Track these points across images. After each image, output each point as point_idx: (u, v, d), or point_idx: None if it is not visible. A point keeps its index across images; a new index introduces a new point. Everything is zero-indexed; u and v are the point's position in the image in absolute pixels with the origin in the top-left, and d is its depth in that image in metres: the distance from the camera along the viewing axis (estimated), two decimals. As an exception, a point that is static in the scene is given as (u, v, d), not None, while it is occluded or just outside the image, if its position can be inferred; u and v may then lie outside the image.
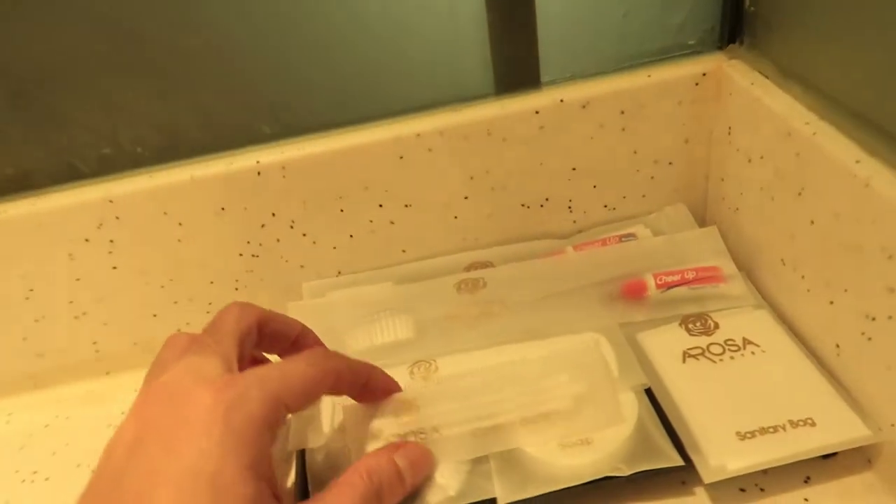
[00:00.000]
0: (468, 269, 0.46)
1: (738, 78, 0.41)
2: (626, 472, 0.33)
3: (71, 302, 0.46)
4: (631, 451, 0.34)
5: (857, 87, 0.34)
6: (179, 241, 0.45)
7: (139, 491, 0.25)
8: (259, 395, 0.27)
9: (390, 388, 0.36)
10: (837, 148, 0.34)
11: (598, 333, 0.40)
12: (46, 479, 0.42)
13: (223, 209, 0.44)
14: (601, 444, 0.34)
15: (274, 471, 0.28)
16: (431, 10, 0.41)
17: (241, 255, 0.46)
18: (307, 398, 0.30)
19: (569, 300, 0.42)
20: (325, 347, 0.37)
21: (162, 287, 0.47)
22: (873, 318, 0.33)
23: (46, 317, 0.47)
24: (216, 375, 0.28)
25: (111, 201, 0.43)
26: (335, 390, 0.33)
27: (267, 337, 0.34)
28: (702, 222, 0.49)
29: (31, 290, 0.45)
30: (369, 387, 0.35)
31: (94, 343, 0.48)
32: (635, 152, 0.46)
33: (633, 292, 0.42)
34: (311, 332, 0.37)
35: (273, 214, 0.45)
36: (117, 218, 0.43)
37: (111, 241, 0.44)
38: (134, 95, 0.41)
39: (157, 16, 0.39)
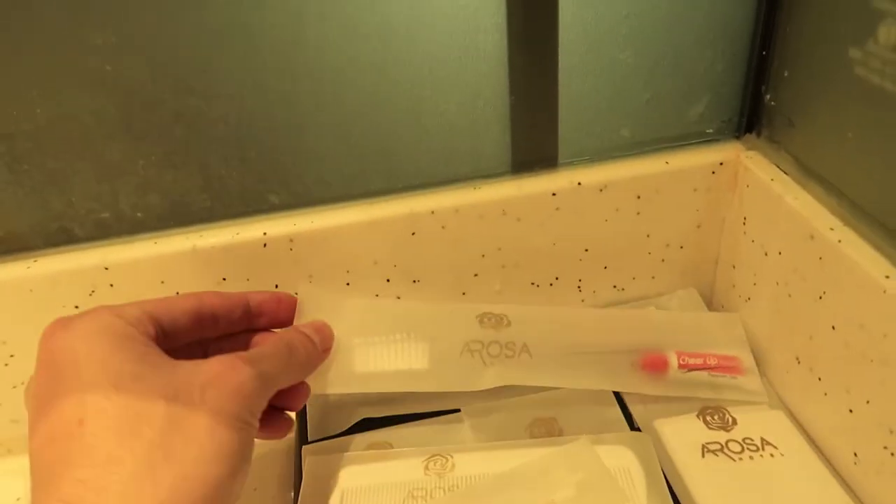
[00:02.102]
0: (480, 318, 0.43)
1: (757, 171, 0.41)
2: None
3: (54, 368, 0.43)
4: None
5: (885, 199, 0.34)
6: (175, 309, 0.43)
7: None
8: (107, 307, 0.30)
9: (278, 299, 0.36)
10: (865, 260, 0.34)
11: (629, 449, 0.38)
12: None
13: (224, 279, 0.42)
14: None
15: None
16: (455, 88, 0.40)
17: (239, 324, 0.44)
18: (169, 308, 0.31)
19: (591, 362, 0.41)
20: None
21: (153, 355, 0.44)
22: (898, 434, 0.33)
23: (26, 383, 0.44)
24: None
25: (106, 268, 0.41)
26: (209, 312, 0.33)
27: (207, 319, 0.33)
28: (709, 306, 0.48)
29: (12, 356, 0.43)
30: (254, 307, 0.35)
31: (75, 409, 0.45)
32: (648, 235, 0.46)
33: (654, 367, 0.41)
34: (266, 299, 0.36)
35: (276, 286, 0.43)
36: (111, 285, 0.41)
37: (103, 307, 0.42)
38: (139, 160, 0.39)
39: (168, 82, 0.37)
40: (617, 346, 0.42)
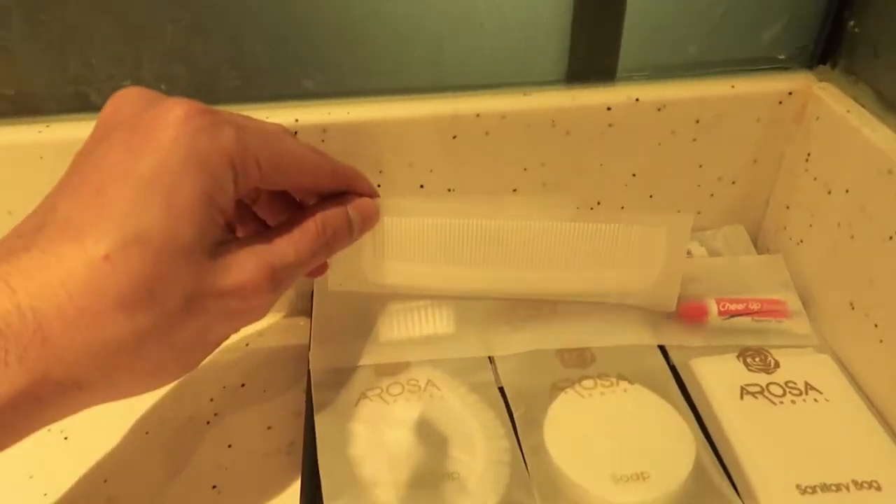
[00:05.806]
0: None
1: (831, 103, 0.38)
2: (685, 518, 0.30)
3: None
4: (688, 492, 0.31)
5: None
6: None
7: (98, 181, 0.25)
8: (233, 134, 0.26)
9: (370, 195, 0.33)
10: (951, 196, 0.31)
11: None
12: None
13: (249, 167, 0.39)
14: (658, 481, 0.31)
15: (231, 211, 0.27)
16: (516, -20, 0.37)
17: (259, 220, 0.42)
18: (279, 167, 0.28)
19: (622, 313, 0.39)
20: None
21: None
22: (963, 385, 0.30)
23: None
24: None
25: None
26: (313, 178, 0.30)
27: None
28: (754, 248, 0.46)
29: (16, 229, 0.40)
30: (351, 190, 0.32)
31: None
32: (701, 166, 0.43)
33: (692, 316, 0.39)
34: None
35: (303, 180, 0.40)
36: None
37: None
38: (168, 24, 0.36)
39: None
40: None
